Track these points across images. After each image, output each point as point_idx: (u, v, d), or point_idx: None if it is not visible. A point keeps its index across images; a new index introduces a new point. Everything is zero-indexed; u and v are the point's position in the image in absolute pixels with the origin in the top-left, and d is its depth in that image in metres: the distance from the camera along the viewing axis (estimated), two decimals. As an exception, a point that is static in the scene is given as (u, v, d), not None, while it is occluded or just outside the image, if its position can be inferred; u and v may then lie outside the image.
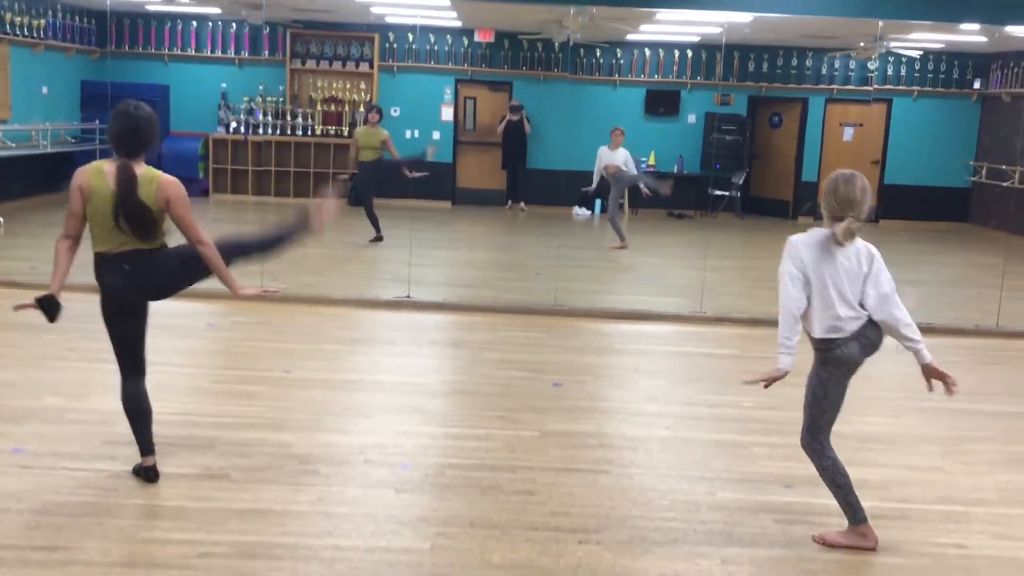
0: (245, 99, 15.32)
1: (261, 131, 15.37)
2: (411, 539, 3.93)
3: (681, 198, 16.07)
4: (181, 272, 4.34)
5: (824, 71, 15.91)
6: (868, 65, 15.73)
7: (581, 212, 15.65)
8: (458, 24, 14.94)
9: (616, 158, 11.99)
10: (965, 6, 9.62)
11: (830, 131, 16.23)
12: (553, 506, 4.32)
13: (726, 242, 13.52)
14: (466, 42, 15.62)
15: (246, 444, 4.88)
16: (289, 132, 15.42)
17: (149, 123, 4.16)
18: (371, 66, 15.54)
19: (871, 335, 4.06)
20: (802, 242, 4.00)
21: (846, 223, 3.91)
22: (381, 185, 12.22)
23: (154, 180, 4.11)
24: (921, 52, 15.15)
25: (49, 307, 4.07)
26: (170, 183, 4.15)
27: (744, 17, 11.40)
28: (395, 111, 15.62)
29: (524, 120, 15.55)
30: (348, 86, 15.65)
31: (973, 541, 4.16)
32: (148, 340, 4.38)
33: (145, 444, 4.36)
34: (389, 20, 14.66)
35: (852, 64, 15.79)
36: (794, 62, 15.90)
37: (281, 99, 15.48)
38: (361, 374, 6.25)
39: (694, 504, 4.43)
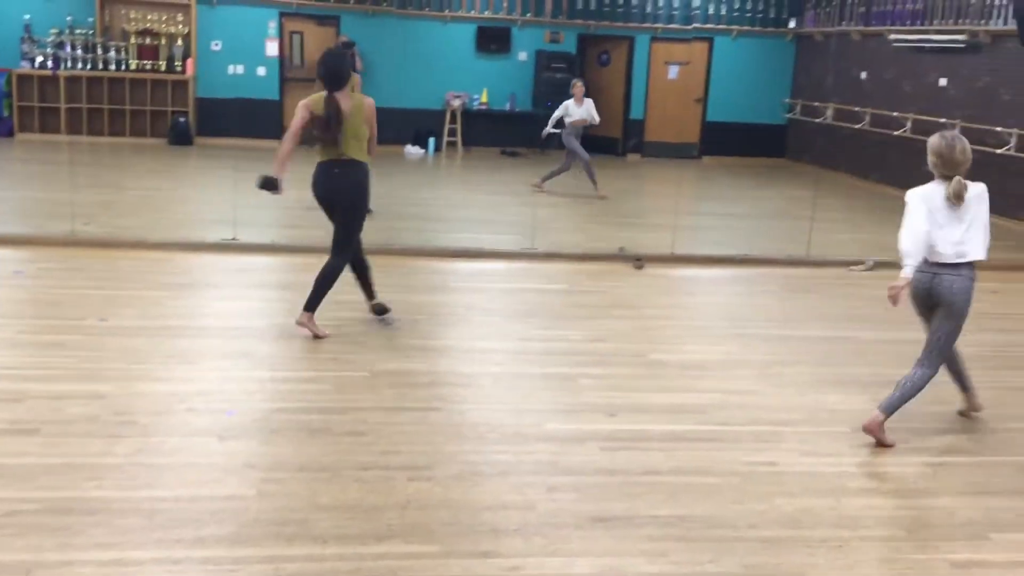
0: (53, 31, 14.28)
1: (71, 66, 14.38)
2: (236, 486, 3.84)
3: (513, 136, 16.15)
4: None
5: (649, 10, 16.20)
6: (694, 3, 16.12)
7: (414, 150, 15.49)
8: (281, -46, 14.37)
9: (583, 112, 11.98)
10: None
11: (655, 69, 16.59)
12: (384, 446, 4.31)
13: (557, 179, 13.69)
14: (290, -27, 15.05)
15: (57, 396, 4.62)
16: (101, 67, 14.51)
17: (345, 63, 5.81)
18: (188, -3, 14.75)
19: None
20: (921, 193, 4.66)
21: (954, 183, 4.57)
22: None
23: (360, 102, 5.69)
24: (740, -8, 15.67)
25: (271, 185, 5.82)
26: (371, 103, 5.80)
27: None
28: (216, 45, 14.94)
29: (356, 56, 15.14)
30: (164, 18, 14.81)
31: (782, 458, 4.42)
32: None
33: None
34: (207, -52, 13.94)
35: (676, 3, 16.14)
36: (621, 0, 16.10)
37: (91, 32, 14.51)
38: (183, 320, 6.02)
39: (523, 437, 4.51)
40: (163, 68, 14.75)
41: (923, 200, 4.65)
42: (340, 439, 4.34)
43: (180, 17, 14.85)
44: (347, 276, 7.25)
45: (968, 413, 5.11)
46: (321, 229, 8.83)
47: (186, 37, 14.86)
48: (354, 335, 5.92)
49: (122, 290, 6.65)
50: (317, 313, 5.80)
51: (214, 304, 6.54)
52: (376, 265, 7.50)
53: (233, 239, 8.12)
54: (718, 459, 4.36)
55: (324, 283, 5.81)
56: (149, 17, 14.74)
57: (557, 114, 12.12)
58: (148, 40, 14.78)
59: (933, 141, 4.76)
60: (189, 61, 14.81)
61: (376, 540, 3.47)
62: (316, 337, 5.75)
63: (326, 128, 5.62)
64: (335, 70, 5.67)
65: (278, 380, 5.07)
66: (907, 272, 4.57)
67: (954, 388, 5.48)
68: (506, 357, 5.75)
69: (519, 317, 6.63)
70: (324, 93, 5.64)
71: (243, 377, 5.07)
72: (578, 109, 12.00)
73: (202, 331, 5.83)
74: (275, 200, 10.87)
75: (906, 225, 4.62)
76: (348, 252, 5.94)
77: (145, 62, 14.71)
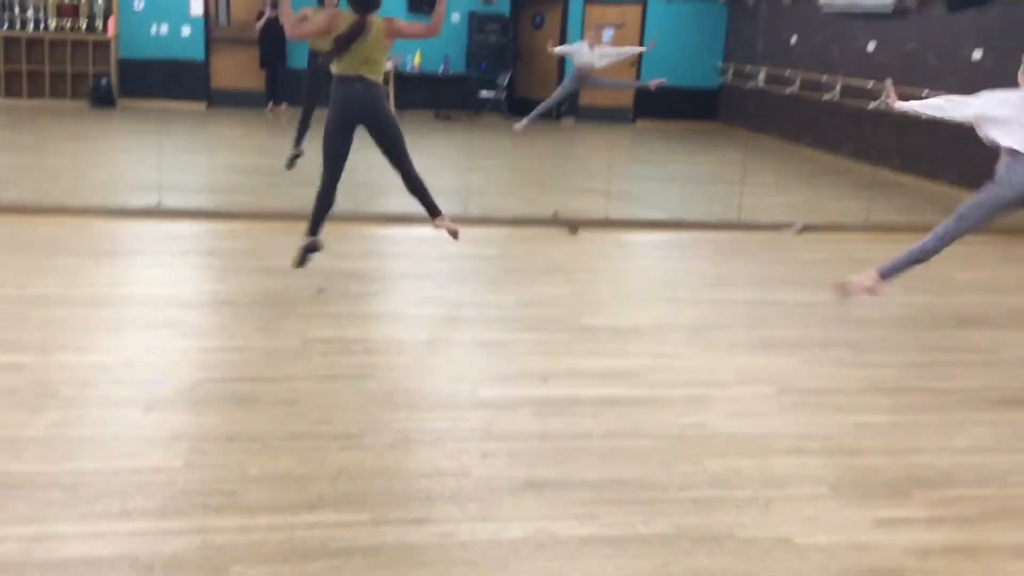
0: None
1: (-16, 24, 13.86)
2: (162, 458, 3.76)
3: (447, 99, 16.01)
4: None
5: (583, -29, 16.13)
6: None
7: (346, 114, 15.24)
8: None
9: (592, 57, 11.90)
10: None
11: (589, 32, 16.50)
12: (315, 415, 4.26)
13: (493, 143, 13.63)
14: (215, -71, 14.63)
15: (-27, 369, 4.48)
16: (19, 27, 13.97)
17: None
18: (109, -46, 14.27)
19: None
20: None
21: None
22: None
23: (379, 25, 5.97)
24: (673, -45, 15.67)
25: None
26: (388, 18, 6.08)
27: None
28: (139, 4, 14.50)
29: None
30: (84, -24, 14.32)
31: (711, 420, 4.47)
32: None
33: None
34: (127, -97, 13.47)
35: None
36: (555, -38, 16.00)
37: (6, -11, 13.97)
38: (107, 288, 5.87)
39: (457, 403, 4.50)
40: (83, 28, 14.28)
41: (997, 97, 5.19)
42: (270, 408, 4.28)
43: (101, -25, 14.37)
44: (274, 242, 7.15)
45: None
46: (249, 194, 8.69)
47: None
48: (285, 302, 5.83)
49: (43, 258, 6.45)
50: (241, 279, 5.68)
51: (139, 272, 6.38)
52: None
53: (158, 204, 7.92)
54: (649, 422, 4.40)
55: (423, 190, 6.44)
56: (68, -26, 14.24)
57: (565, 49, 12.07)
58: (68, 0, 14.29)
59: None
60: (111, 20, 14.34)
61: (307, 509, 3.43)
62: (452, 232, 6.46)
63: (345, 45, 5.90)
64: None
65: (205, 349, 4.97)
66: (914, 105, 4.84)
67: (880, 352, 5.62)
68: (440, 323, 5.72)
69: (452, 283, 6.59)
70: (354, 16, 5.91)
71: (169, 347, 4.96)
72: (589, 52, 11.95)
73: (126, 300, 5.69)
74: (202, 164, 10.71)
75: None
76: (412, 166, 6.40)
77: (65, 21, 14.21)
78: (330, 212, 6.37)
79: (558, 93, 12.10)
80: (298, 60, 15.12)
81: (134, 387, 4.42)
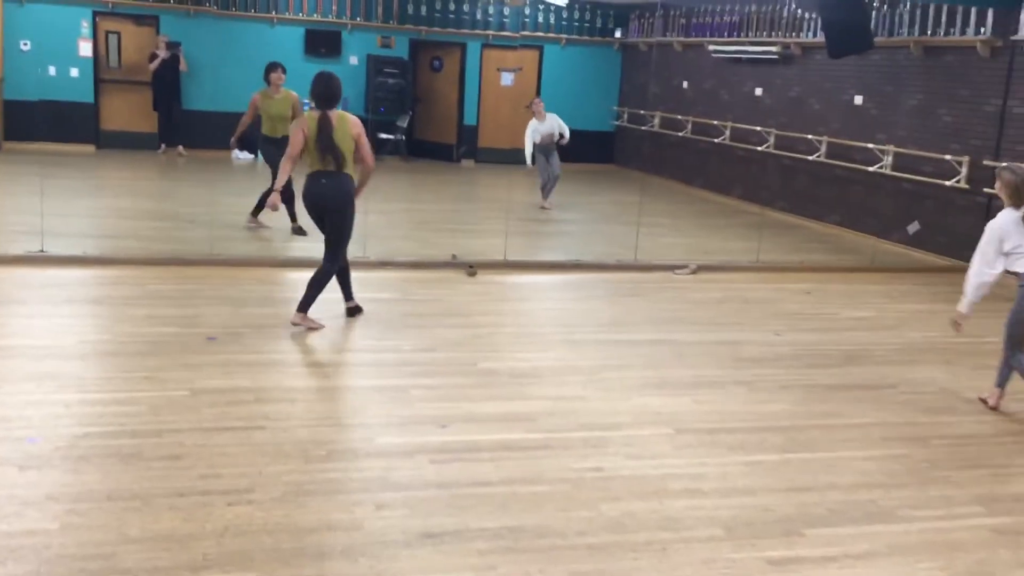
0: None
1: None
2: (37, 520, 3.57)
3: (346, 141, 15.91)
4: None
5: (480, 17, 16.30)
6: (524, 12, 16.31)
7: (242, 155, 15.01)
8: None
9: (549, 127, 11.88)
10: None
11: (488, 76, 16.70)
12: (202, 469, 4.11)
13: (392, 186, 13.57)
14: (105, -29, 14.33)
15: None
16: None
17: (338, 85, 6.24)
18: (-8, -8, 13.80)
19: None
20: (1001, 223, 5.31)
21: None
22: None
23: (345, 119, 6.20)
24: (568, 1, 15.96)
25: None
26: (356, 121, 6.29)
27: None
28: (25, 45, 14.06)
29: (179, 58, 14.55)
30: (-36, 14, 13.81)
31: (609, 463, 4.48)
32: None
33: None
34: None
35: (506, 11, 16.30)
36: (452, 6, 16.14)
37: None
38: (-18, 340, 5.59)
39: (352, 452, 4.41)
40: (-42, 70, 13.74)
41: (1000, 230, 5.31)
42: (153, 464, 4.11)
43: (-18, 14, 13.88)
44: (161, 289, 6.94)
45: None
46: (137, 239, 8.43)
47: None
48: (173, 352, 5.65)
49: (-89, 309, 6.12)
50: (126, 328, 5.49)
51: (18, 322, 6.11)
52: (197, 277, 7.29)
53: (40, 251, 7.61)
54: (547, 467, 4.38)
55: (316, 286, 6.34)
56: (-54, 13, 13.71)
57: (528, 136, 11.95)
58: (-54, 38, 13.74)
59: (1006, 176, 5.42)
60: (-7, 60, 13.86)
61: (191, 571, 3.29)
62: (311, 330, 6.25)
63: (318, 144, 6.12)
64: (332, 91, 6.20)
65: (87, 403, 4.76)
66: (964, 308, 5.46)
67: (770, 390, 5.75)
68: (335, 370, 5.62)
69: (349, 328, 6.49)
70: (317, 113, 6.13)
71: (48, 400, 4.74)
72: (542, 125, 11.94)
73: (4, 351, 5.42)
74: (89, 208, 10.36)
75: (977, 262, 5.39)
76: (338, 258, 6.42)
77: (-58, 62, 13.67)
78: (348, 276, 6.70)
79: (543, 172, 12.18)
80: (194, 101, 14.92)
81: (9, 444, 4.19)
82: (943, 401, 5.71)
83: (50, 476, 3.93)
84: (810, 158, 11.85)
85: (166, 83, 14.58)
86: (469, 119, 16.73)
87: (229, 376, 5.30)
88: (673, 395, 5.50)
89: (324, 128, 6.11)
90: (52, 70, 14.35)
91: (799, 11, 12.33)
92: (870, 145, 10.90)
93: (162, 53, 14.32)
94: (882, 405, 5.57)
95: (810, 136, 11.93)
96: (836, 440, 4.98)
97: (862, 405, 5.55)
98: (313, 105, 6.20)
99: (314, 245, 8.69)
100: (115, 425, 4.50)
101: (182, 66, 14.61)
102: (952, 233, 9.93)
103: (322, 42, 15.60)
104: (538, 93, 16.75)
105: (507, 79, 16.89)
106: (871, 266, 9.74)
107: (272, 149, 8.98)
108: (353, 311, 6.70)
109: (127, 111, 15.10)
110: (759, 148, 12.87)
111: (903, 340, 7.06)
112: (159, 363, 5.43)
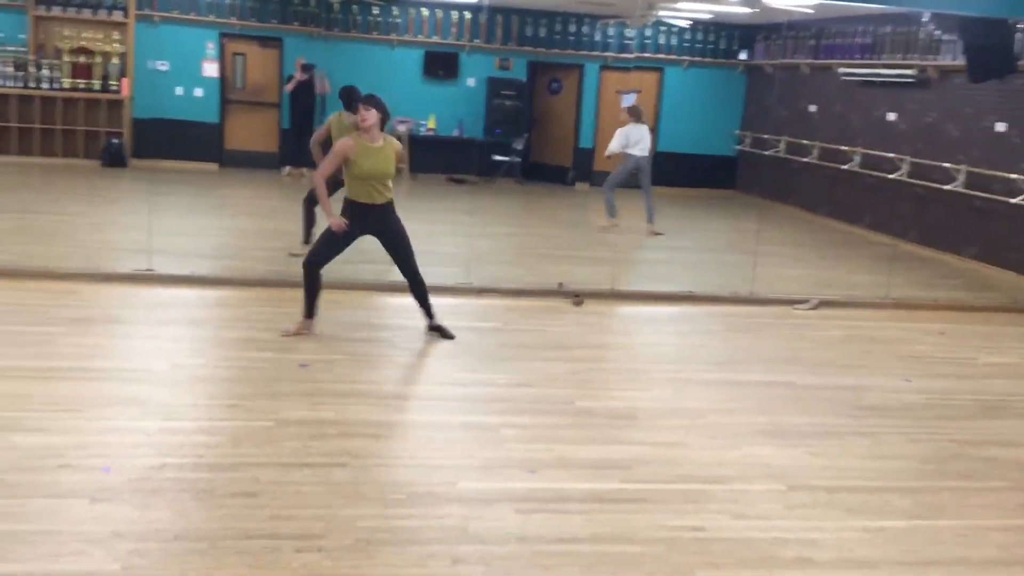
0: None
1: (1, 84, 13.81)
2: (100, 560, 3.42)
3: (461, 163, 15.85)
4: None
5: (599, 38, 16.02)
6: (645, 33, 15.96)
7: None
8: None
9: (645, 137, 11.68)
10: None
11: (606, 98, 16.39)
12: (275, 509, 3.91)
13: (504, 209, 13.42)
14: (233, -7, 14.68)
15: (-85, 451, 4.17)
16: (33, 85, 13.96)
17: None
18: (125, 14, 14.28)
19: None
20: None
21: None
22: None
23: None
24: (690, 22, 15.53)
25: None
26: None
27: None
28: (159, 65, 14.52)
29: (317, 80, 14.68)
30: (100, 37, 14.32)
31: (710, 522, 4.09)
32: None
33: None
34: (144, -34, 13.52)
35: (628, 32, 15.97)
36: (572, 28, 15.92)
37: (23, 49, 13.97)
38: (74, 360, 5.56)
39: (432, 497, 4.14)
40: (98, 87, 14.24)
41: None
42: (226, 502, 3.93)
43: (116, 35, 14.37)
44: (262, 312, 6.83)
45: None
46: (247, 260, 8.41)
47: (122, 56, 14.38)
48: (263, 379, 5.51)
49: (15, 325, 6.18)
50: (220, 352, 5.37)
51: (114, 343, 6.10)
52: (297, 300, 7.13)
53: (148, 270, 7.66)
54: (641, 524, 4.02)
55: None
56: (84, 35, 14.23)
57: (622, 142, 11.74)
58: (82, 58, 14.27)
59: None
60: (125, 80, 14.32)
61: (246, 626, 3.07)
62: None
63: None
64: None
65: (168, 431, 4.64)
66: None
67: (896, 444, 5.24)
68: (424, 404, 5.38)
69: (444, 358, 6.26)
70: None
71: (130, 427, 4.64)
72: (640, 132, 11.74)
73: (95, 373, 5.38)
74: (205, 227, 10.50)
75: None
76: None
77: (79, 81, 14.19)
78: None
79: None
80: (317, 123, 15.08)
81: (84, 474, 4.09)
82: (1097, 465, 5.09)
83: (120, 511, 3.79)
84: (947, 187, 11.09)
85: (300, 105, 14.72)
86: (585, 142, 16.45)
87: (315, 407, 5.12)
88: (786, 445, 5.06)
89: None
90: (179, 90, 14.75)
91: (937, 33, 11.60)
92: (1013, 175, 10.11)
93: (298, 75, 14.48)
94: (1022, 466, 4.99)
95: (947, 164, 11.17)
96: (969, 506, 4.46)
97: (1000, 466, 4.98)
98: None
99: (424, 270, 8.56)
100: (193, 456, 4.36)
101: (319, 88, 14.72)
102: (1106, 272, 9.07)
103: (440, 64, 15.60)
104: (657, 116, 16.37)
105: (627, 101, 16.50)
106: (1013, 306, 8.97)
107: None
108: (440, 332, 6.67)
109: (251, 131, 15.40)
110: (891, 176, 12.14)
111: (1049, 391, 6.41)
112: (247, 390, 5.30)
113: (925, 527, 4.20)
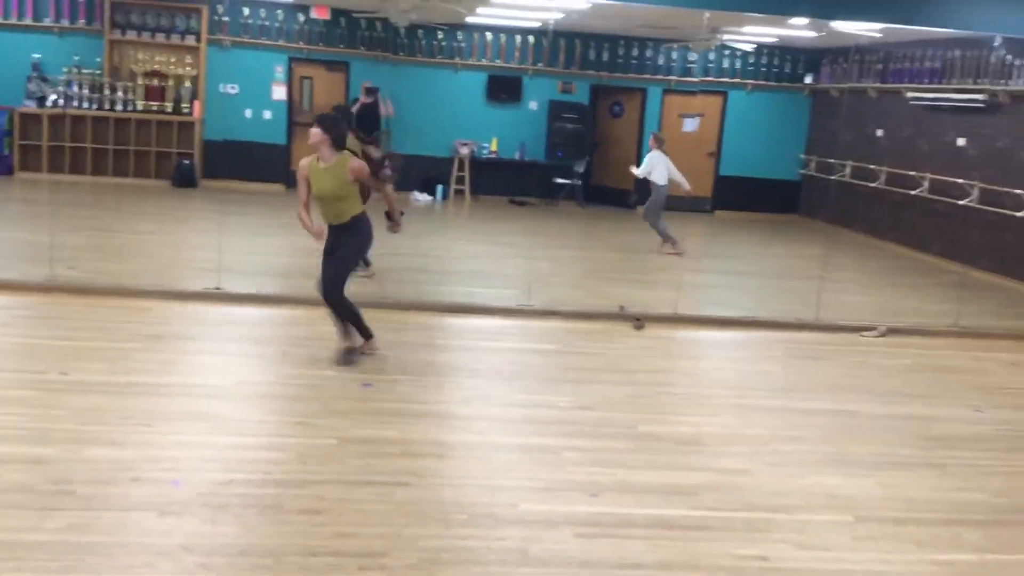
0: (65, 71, 14.20)
1: (77, 105, 14.27)
2: (168, 573, 3.49)
3: (522, 185, 15.93)
4: None
5: (662, 62, 16.00)
6: (708, 56, 15.91)
7: (421, 197, 15.27)
8: (293, -1, 14.32)
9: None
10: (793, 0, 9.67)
11: (668, 121, 16.35)
12: (339, 526, 3.96)
13: (565, 232, 13.43)
14: (301, 18, 14.97)
15: (-6, 461, 4.31)
16: (108, 107, 14.39)
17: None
18: (198, 39, 14.67)
19: None
20: None
21: None
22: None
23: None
24: (755, 46, 15.44)
25: None
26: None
27: (580, 3, 11.26)
28: (229, 88, 14.87)
29: (380, 103, 14.91)
30: (173, 60, 14.73)
31: (775, 551, 4.04)
32: None
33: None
34: (218, -9, 13.88)
35: (691, 56, 15.93)
36: (634, 52, 15.93)
37: (99, 72, 14.41)
38: (149, 376, 5.69)
39: (493, 518, 4.15)
40: (170, 109, 14.62)
41: None
42: (291, 518, 3.99)
43: (189, 59, 14.76)
44: (327, 331, 6.92)
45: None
46: (310, 279, 8.56)
47: (194, 79, 14.76)
48: (329, 397, 5.59)
49: (92, 341, 6.36)
50: (287, 369, 5.46)
51: (186, 359, 6.24)
52: (366, 319, 7.22)
53: (217, 288, 7.82)
54: (705, 551, 3.99)
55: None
56: (157, 58, 14.64)
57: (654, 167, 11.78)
58: (156, 81, 14.67)
59: None
60: (196, 103, 14.69)
61: (311, 642, 3.11)
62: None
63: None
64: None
65: (237, 447, 4.73)
66: None
67: (966, 476, 5.13)
68: (486, 425, 5.41)
69: (505, 380, 6.28)
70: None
71: (200, 442, 4.74)
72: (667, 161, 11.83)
73: (166, 389, 5.50)
74: (272, 247, 10.68)
75: None
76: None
77: (152, 103, 14.59)
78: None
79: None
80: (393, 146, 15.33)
81: (154, 487, 4.18)
82: None
83: (188, 524, 3.87)
84: (1019, 215, 10.84)
85: (364, 127, 14.92)
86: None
87: (379, 426, 5.18)
88: (853, 475, 4.97)
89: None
90: (248, 112, 15.08)
91: (1008, 57, 11.38)
92: (1090, 201, 9.85)
93: (363, 97, 14.71)
94: (1102, 503, 4.85)
95: (1019, 191, 10.93)
96: (1045, 542, 4.34)
97: (1078, 501, 4.84)
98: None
99: (486, 291, 8.65)
100: (260, 473, 4.43)
101: (383, 111, 14.93)
102: None
103: (503, 87, 15.72)
104: (720, 140, 16.29)
105: (689, 125, 16.47)
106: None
107: None
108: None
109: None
110: (961, 202, 11.90)
111: None
112: (314, 408, 5.37)
113: (996, 562, 4.10)
